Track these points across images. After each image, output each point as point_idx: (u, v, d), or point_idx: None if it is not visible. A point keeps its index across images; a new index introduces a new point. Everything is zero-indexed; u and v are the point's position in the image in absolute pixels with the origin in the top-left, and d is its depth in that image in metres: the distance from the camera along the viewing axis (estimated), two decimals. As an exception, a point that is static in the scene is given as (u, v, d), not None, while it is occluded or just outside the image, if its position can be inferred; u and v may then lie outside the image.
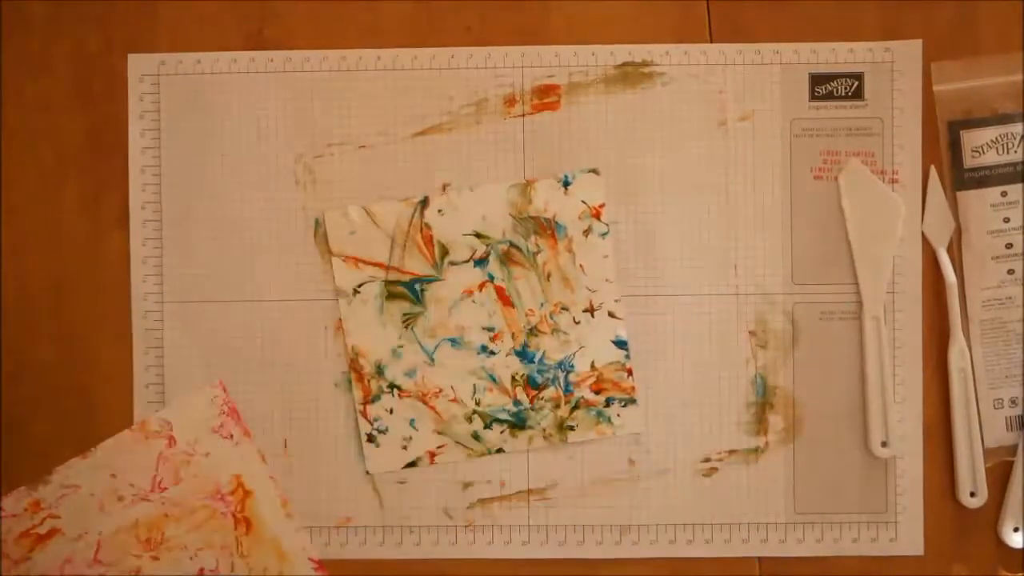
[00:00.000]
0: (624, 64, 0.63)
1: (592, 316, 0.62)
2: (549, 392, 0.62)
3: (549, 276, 0.62)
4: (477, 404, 0.62)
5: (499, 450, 0.62)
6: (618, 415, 0.62)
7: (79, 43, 0.63)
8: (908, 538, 0.62)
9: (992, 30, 0.62)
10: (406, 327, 0.62)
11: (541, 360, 0.62)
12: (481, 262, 0.62)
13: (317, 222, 0.63)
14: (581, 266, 0.62)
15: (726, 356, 0.62)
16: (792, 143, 0.62)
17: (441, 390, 0.62)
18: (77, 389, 0.63)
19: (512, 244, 0.62)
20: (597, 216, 0.62)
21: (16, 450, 0.62)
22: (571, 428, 0.62)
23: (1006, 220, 0.62)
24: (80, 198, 0.63)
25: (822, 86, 0.62)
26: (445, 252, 0.62)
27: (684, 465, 0.63)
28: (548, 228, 0.62)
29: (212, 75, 0.63)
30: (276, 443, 0.63)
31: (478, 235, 0.62)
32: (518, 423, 0.62)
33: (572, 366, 0.62)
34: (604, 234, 0.62)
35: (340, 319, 0.63)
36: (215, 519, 0.62)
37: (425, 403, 0.62)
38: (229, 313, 0.63)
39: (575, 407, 0.62)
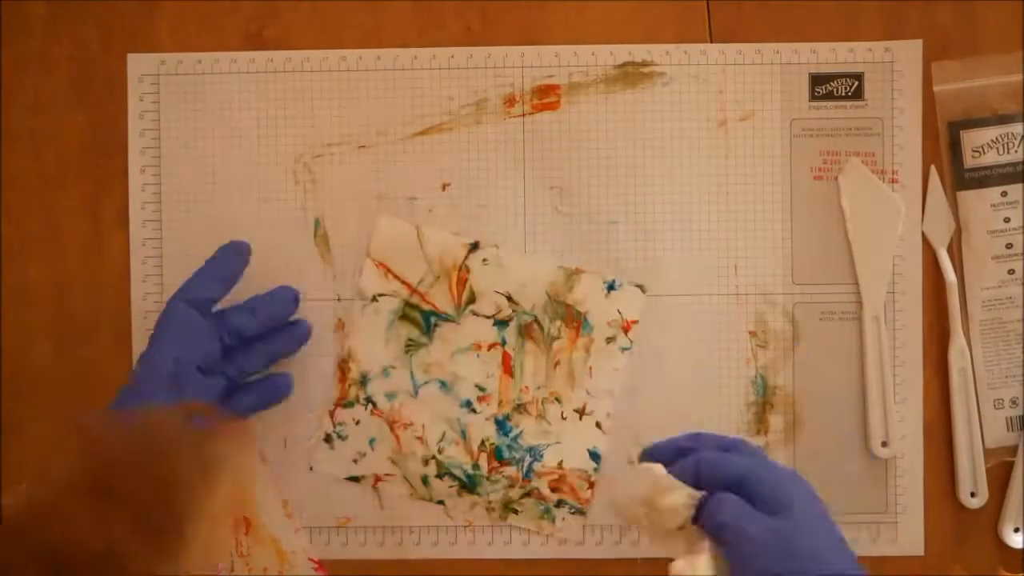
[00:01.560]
0: (624, 64, 0.62)
1: (580, 419, 0.62)
2: (510, 470, 0.62)
3: (557, 364, 0.62)
4: (439, 452, 0.62)
5: (440, 502, 0.62)
6: (563, 519, 0.62)
7: (79, 43, 0.63)
8: (908, 538, 0.62)
9: (992, 30, 0.62)
10: (405, 352, 0.62)
11: (516, 437, 0.62)
12: (501, 324, 0.62)
13: (317, 222, 0.63)
14: (590, 368, 0.62)
15: (726, 356, 0.62)
16: (792, 143, 0.62)
17: (411, 424, 0.62)
18: (77, 389, 0.63)
19: (536, 320, 0.62)
20: (625, 330, 0.62)
21: (16, 450, 0.62)
22: (515, 512, 0.62)
23: (1006, 220, 0.62)
24: (80, 198, 0.63)
25: (822, 86, 0.62)
26: (472, 299, 0.62)
27: (684, 465, 0.62)
28: (576, 320, 0.62)
29: (212, 75, 0.63)
30: (276, 443, 0.63)
31: (509, 298, 0.62)
32: (468, 485, 0.62)
33: (541, 456, 0.62)
34: (625, 349, 0.62)
35: (340, 319, 0.62)
36: (215, 519, 0.62)
37: (392, 429, 0.62)
38: (229, 313, 0.63)
39: (527, 494, 0.62)
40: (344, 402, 0.62)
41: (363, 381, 0.62)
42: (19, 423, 0.62)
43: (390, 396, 0.62)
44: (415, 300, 0.62)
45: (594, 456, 0.62)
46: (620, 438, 0.62)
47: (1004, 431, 0.62)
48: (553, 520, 0.62)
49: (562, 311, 0.62)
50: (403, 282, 0.62)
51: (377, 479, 0.62)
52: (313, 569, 0.61)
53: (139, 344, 0.63)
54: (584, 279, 0.62)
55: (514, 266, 0.62)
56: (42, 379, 0.63)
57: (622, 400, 0.62)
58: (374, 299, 0.62)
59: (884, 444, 0.62)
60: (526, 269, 0.62)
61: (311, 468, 0.62)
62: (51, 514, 0.28)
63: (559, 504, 0.62)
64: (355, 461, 0.62)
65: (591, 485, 0.62)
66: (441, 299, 0.62)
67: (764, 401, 0.62)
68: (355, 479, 0.62)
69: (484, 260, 0.62)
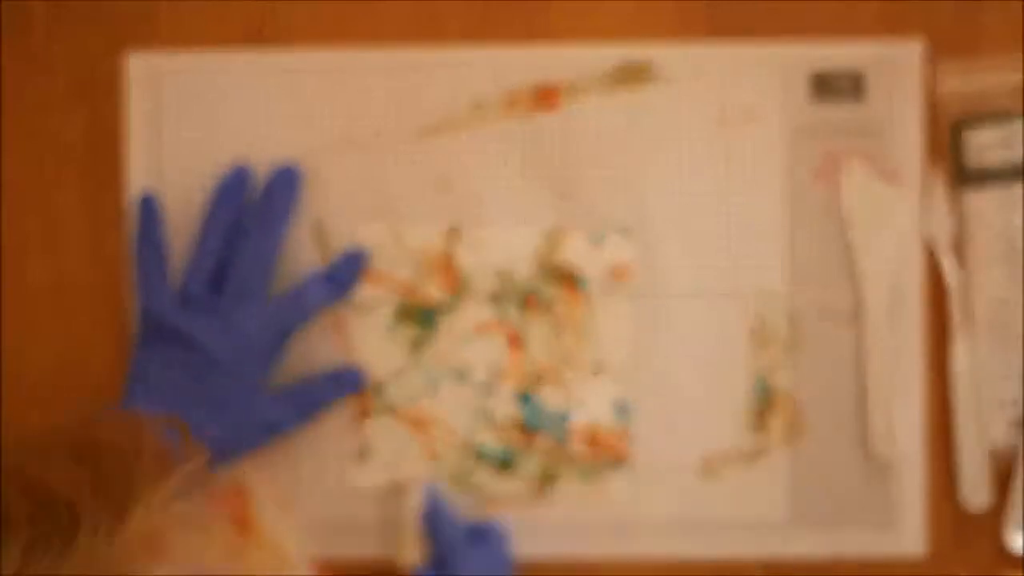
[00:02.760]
0: (624, 64, 0.62)
1: (598, 375, 0.62)
2: (542, 441, 0.62)
3: (562, 327, 0.62)
4: (469, 439, 0.62)
5: (481, 487, 0.62)
6: (607, 478, 0.62)
7: (79, 43, 0.63)
8: (909, 539, 0.62)
9: (994, 29, 0.62)
10: (413, 352, 0.62)
11: (540, 408, 0.62)
12: (499, 301, 0.62)
13: (317, 222, 0.63)
14: (596, 323, 0.62)
15: (726, 356, 0.62)
16: (792, 143, 0.62)
17: (436, 420, 0.62)
18: (77, 389, 0.63)
19: (532, 290, 0.62)
20: (622, 277, 0.62)
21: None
22: (556, 479, 0.62)
23: (1007, 220, 0.62)
24: (80, 198, 0.63)
25: (822, 86, 0.62)
26: (465, 285, 0.62)
27: (684, 465, 0.62)
28: (571, 280, 0.62)
29: (212, 74, 0.63)
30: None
31: (501, 274, 0.62)
32: (506, 465, 0.62)
33: (569, 420, 0.62)
34: (624, 295, 0.62)
35: (339, 318, 0.62)
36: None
37: (418, 430, 0.62)
38: (229, 313, 0.63)
39: (565, 461, 0.62)
40: (365, 415, 0.62)
41: (379, 390, 0.62)
42: (19, 423, 0.63)
43: (409, 399, 0.62)
44: (409, 299, 0.62)
45: (621, 408, 0.62)
46: (641, 384, 0.62)
47: (1005, 432, 0.62)
48: (596, 481, 0.62)
49: (555, 274, 0.62)
50: (394, 284, 0.62)
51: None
52: (313, 569, 0.61)
53: (139, 344, 0.63)
54: (569, 237, 0.62)
55: (497, 242, 0.62)
56: (42, 379, 0.63)
57: (636, 347, 0.62)
58: (369, 309, 0.62)
59: (885, 445, 0.62)
60: (509, 242, 0.62)
61: (352, 487, 0.62)
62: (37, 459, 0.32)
63: (599, 464, 0.62)
64: (390, 470, 0.62)
65: (624, 435, 0.62)
66: (434, 291, 0.62)
67: (764, 401, 0.62)
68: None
69: (466, 243, 0.62)
